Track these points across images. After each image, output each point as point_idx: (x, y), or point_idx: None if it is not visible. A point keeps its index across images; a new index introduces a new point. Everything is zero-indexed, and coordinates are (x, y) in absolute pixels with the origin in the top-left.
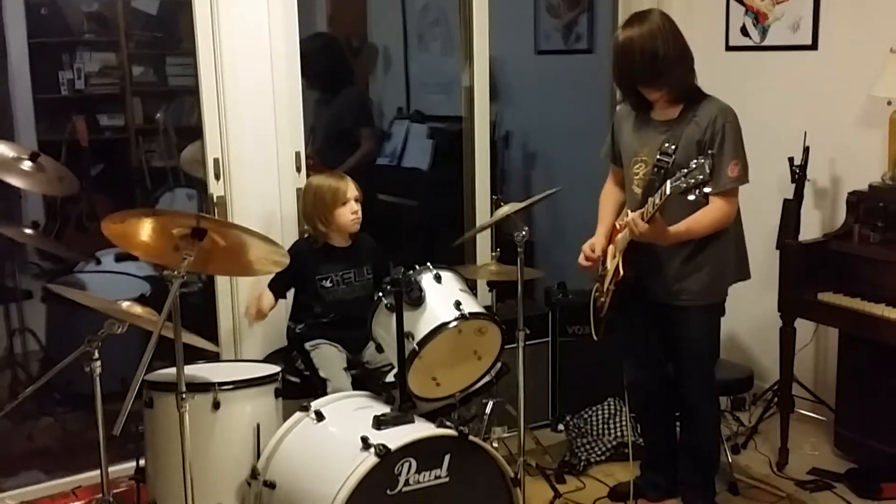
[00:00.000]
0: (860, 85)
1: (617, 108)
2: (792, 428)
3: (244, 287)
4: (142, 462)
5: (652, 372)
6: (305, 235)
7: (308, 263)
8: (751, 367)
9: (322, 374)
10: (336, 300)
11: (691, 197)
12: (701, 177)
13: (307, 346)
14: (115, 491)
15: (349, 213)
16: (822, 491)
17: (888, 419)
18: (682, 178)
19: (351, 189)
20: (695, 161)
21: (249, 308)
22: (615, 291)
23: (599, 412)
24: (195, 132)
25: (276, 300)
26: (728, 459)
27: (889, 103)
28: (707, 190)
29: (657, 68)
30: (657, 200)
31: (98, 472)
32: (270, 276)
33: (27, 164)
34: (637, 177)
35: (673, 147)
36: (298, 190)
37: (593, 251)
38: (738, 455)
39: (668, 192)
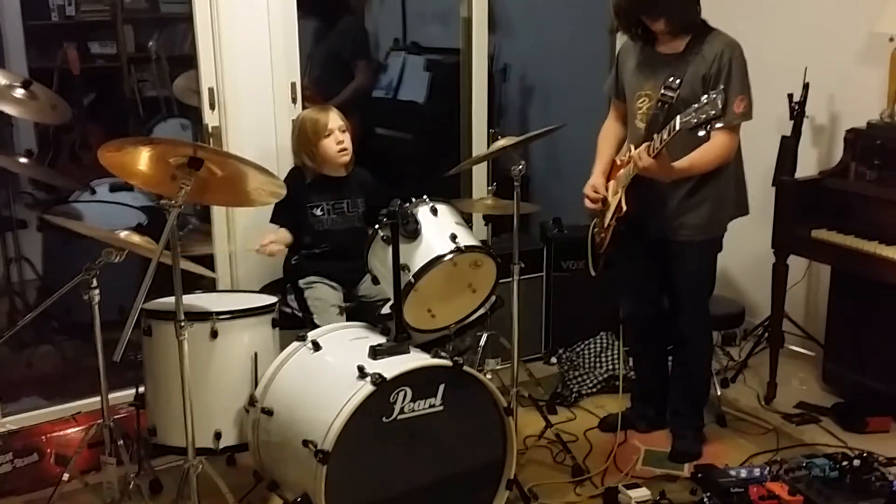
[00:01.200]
0: (861, 20)
1: (618, 42)
2: (781, 363)
3: (241, 218)
4: (141, 389)
5: (648, 306)
6: (297, 166)
7: (300, 193)
8: (742, 303)
9: (316, 320)
10: (326, 230)
11: (701, 133)
12: (713, 112)
13: (301, 283)
14: (114, 417)
15: (334, 145)
16: (809, 424)
17: (876, 355)
18: (693, 114)
19: (333, 119)
20: (706, 96)
21: (263, 241)
22: (615, 227)
23: (591, 346)
24: (188, 61)
25: (293, 234)
26: (717, 392)
27: (891, 40)
28: (719, 125)
29: (655, 1)
30: (664, 136)
31: (98, 398)
32: (267, 208)
33: (20, 92)
34: (640, 111)
35: (678, 81)
36: (294, 121)
37: (596, 192)
38: (727, 388)
39: (677, 127)
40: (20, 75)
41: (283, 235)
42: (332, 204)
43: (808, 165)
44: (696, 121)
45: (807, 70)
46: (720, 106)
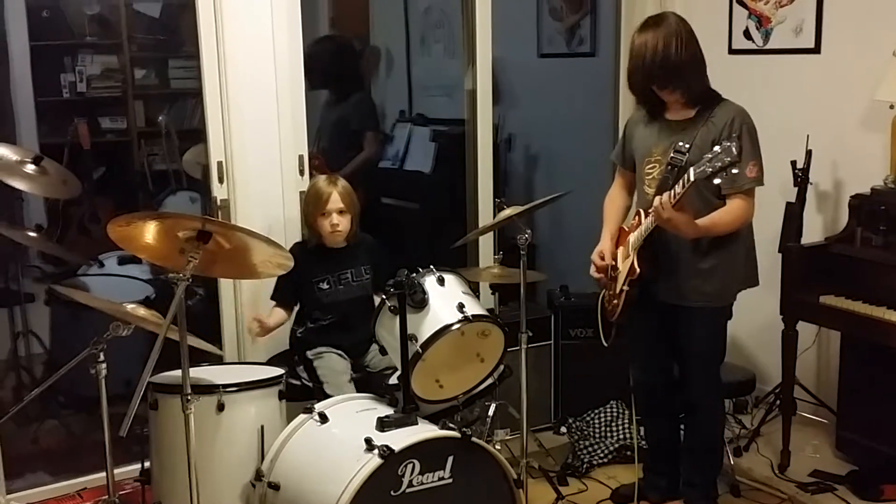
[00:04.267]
0: (863, 88)
1: (621, 111)
2: (794, 430)
3: (247, 291)
4: (147, 464)
5: (658, 373)
6: (300, 240)
7: (304, 267)
8: (753, 370)
9: (327, 389)
10: (333, 302)
11: (717, 181)
12: (728, 159)
13: (309, 354)
14: (120, 492)
15: (328, 225)
16: (824, 493)
17: (889, 421)
18: (707, 164)
19: (334, 201)
20: (718, 146)
21: (251, 325)
22: (629, 292)
23: (602, 415)
24: (197, 135)
25: (289, 313)
26: (730, 461)
27: (891, 107)
28: (735, 171)
29: (671, 71)
30: (678, 189)
31: (103, 473)
32: (273, 281)
33: (30, 168)
34: (649, 177)
35: (687, 146)
36: (301, 193)
37: (602, 259)
38: (740, 457)
39: (692, 178)
40: (31, 150)
41: (277, 319)
42: (336, 275)
43: (813, 231)
44: (710, 170)
45: (809, 137)
46: (736, 153)
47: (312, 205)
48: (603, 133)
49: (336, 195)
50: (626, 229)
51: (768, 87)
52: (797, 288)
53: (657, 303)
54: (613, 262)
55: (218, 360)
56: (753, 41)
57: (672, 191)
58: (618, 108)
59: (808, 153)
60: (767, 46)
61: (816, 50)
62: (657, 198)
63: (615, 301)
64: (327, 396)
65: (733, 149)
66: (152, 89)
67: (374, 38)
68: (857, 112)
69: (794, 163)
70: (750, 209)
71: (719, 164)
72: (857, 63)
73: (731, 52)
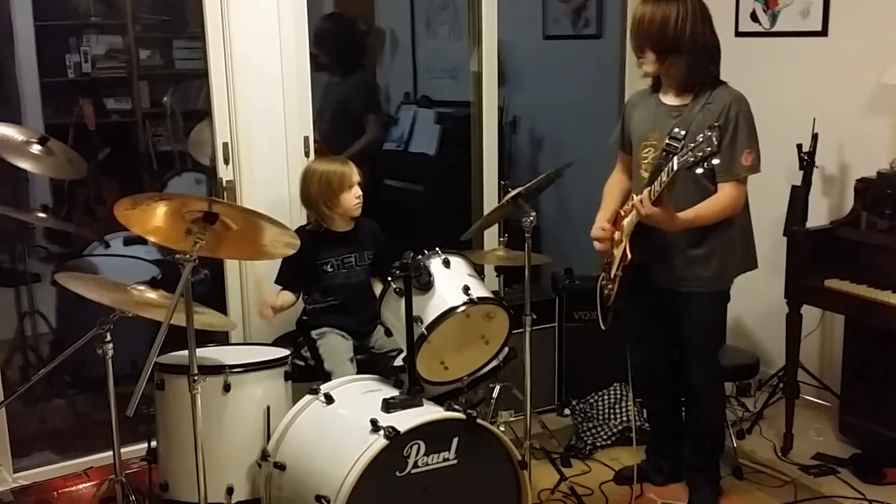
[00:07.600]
0: (870, 72)
1: (627, 93)
2: (797, 413)
3: (253, 272)
4: (153, 443)
5: (657, 356)
6: (305, 224)
7: (309, 250)
8: (757, 353)
9: (327, 366)
10: (337, 284)
11: (699, 171)
12: (709, 149)
13: (313, 334)
14: (126, 472)
15: (353, 198)
16: (826, 476)
17: (893, 405)
18: (690, 152)
19: (355, 174)
20: (701, 135)
21: (264, 311)
22: (623, 277)
23: (605, 397)
24: (203, 116)
25: (296, 296)
26: (733, 444)
27: None
28: (715, 162)
29: (666, 47)
30: (664, 178)
31: (110, 453)
32: (277, 263)
33: (36, 148)
34: (645, 161)
35: (683, 132)
36: (306, 172)
37: (603, 229)
38: (743, 440)
39: (675, 167)
40: (37, 131)
41: (285, 300)
42: (341, 259)
43: (819, 215)
44: (692, 159)
45: (815, 121)
46: (715, 143)
47: (337, 183)
48: (608, 115)
49: (354, 168)
50: (623, 213)
51: (775, 70)
52: (802, 271)
53: (653, 287)
54: (611, 235)
55: (224, 341)
56: (760, 24)
57: (652, 187)
58: (623, 91)
59: (815, 136)
60: (774, 29)
61: (824, 33)
62: (636, 196)
63: (611, 286)
64: (328, 375)
65: (714, 139)
66: (157, 70)
67: (379, 19)
68: (863, 95)
69: (799, 146)
70: (741, 196)
71: (700, 153)
72: (865, 46)
73: (738, 34)
